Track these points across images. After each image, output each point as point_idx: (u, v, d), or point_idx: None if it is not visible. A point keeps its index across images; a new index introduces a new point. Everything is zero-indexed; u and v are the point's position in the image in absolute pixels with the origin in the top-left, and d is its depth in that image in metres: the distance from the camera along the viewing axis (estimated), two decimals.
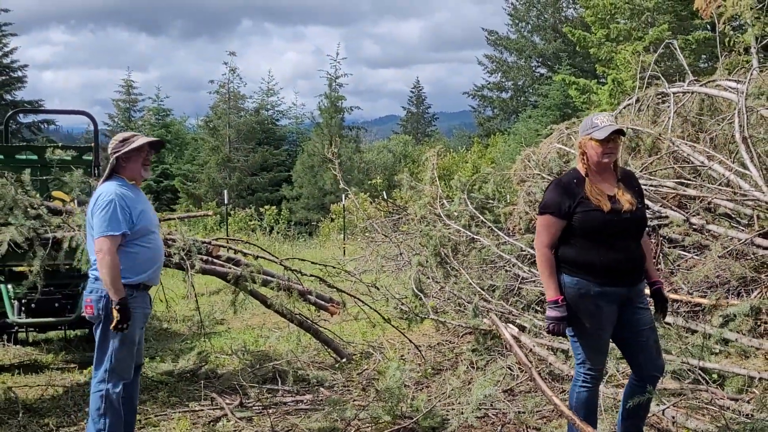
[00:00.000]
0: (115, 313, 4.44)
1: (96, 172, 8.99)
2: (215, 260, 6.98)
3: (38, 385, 6.85)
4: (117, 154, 4.67)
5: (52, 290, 7.79)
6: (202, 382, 6.65)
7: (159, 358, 7.60)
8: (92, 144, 9.25)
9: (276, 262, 7.48)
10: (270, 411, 5.72)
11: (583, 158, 4.12)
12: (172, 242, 6.48)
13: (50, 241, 6.29)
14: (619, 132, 4.04)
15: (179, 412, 5.91)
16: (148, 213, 4.77)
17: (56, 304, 7.89)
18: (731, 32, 16.93)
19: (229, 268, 6.90)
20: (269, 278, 7.03)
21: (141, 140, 4.69)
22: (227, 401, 6.00)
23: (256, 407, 5.92)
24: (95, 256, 4.53)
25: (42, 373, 7.49)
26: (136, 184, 4.82)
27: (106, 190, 4.62)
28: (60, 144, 8.72)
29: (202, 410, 5.96)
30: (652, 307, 4.31)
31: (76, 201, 7.22)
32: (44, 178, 8.61)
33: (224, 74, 38.32)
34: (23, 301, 7.86)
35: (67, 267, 6.51)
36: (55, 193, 7.99)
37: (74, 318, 7.98)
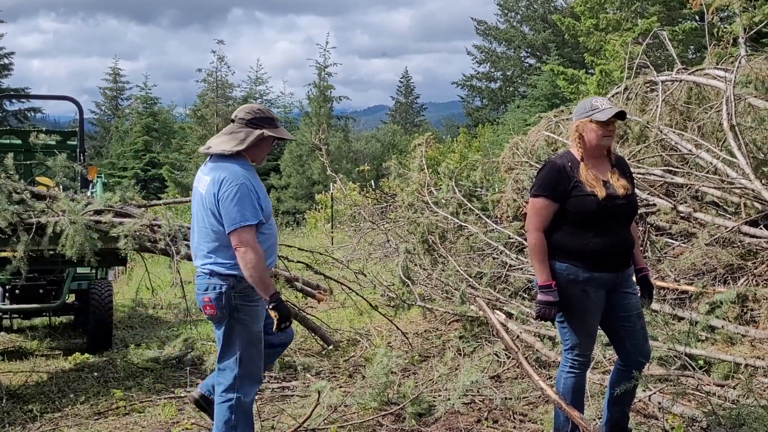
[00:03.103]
0: (273, 314, 3.94)
1: (82, 157, 8.92)
2: None
3: (22, 372, 6.81)
4: (265, 132, 4.10)
5: (36, 276, 7.74)
6: (188, 368, 6.61)
7: (145, 345, 7.58)
8: (77, 129, 9.16)
9: None
10: (256, 397, 5.68)
11: (579, 141, 4.08)
12: (157, 228, 6.42)
13: (34, 226, 6.23)
14: (621, 115, 4.01)
15: (165, 399, 5.87)
16: (266, 196, 4.19)
17: (40, 291, 7.85)
18: (719, 23, 16.98)
19: None
20: None
21: (287, 134, 4.24)
22: None
23: None
24: (211, 247, 4.00)
25: (26, 360, 7.45)
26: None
27: (233, 171, 3.98)
28: (44, 129, 8.65)
29: (188, 396, 5.92)
30: (638, 291, 4.30)
31: (60, 186, 7.15)
32: (28, 162, 8.55)
33: (212, 63, 38.15)
34: (7, 287, 7.80)
35: (51, 252, 6.45)
36: (39, 178, 7.92)
37: (58, 304, 7.94)
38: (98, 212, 6.47)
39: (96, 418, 5.54)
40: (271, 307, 3.95)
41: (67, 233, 6.07)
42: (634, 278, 4.24)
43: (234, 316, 3.99)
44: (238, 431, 4.04)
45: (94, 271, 8.50)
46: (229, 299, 3.96)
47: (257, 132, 4.07)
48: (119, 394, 5.94)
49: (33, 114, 37.62)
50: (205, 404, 4.42)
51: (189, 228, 6.81)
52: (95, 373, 6.79)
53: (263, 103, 39.84)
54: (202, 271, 4.04)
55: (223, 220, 3.92)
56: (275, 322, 3.96)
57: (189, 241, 6.52)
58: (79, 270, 8.27)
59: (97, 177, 9.01)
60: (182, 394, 5.97)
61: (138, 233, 6.31)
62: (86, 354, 7.44)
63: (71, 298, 8.50)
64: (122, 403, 5.77)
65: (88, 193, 8.20)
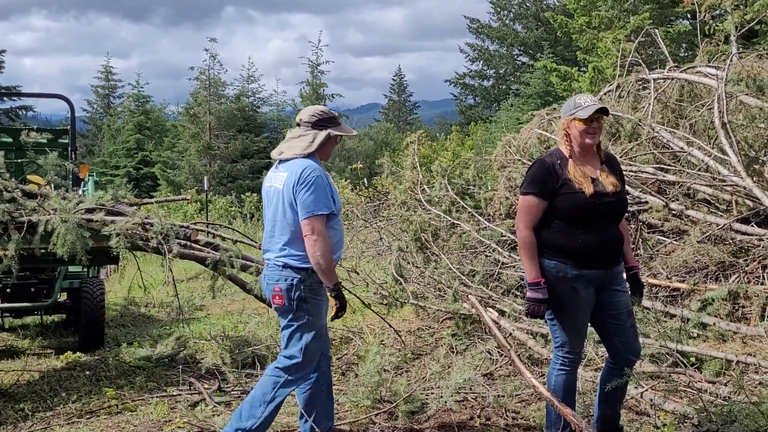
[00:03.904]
0: (333, 302, 4.18)
1: (73, 155, 8.89)
2: (194, 245, 6.90)
3: (14, 371, 6.77)
4: (330, 132, 4.35)
5: (27, 275, 7.70)
6: (181, 367, 6.60)
7: (137, 344, 7.56)
8: (68, 127, 9.12)
9: (255, 247, 7.42)
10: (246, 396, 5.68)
11: (566, 139, 4.10)
12: (149, 226, 6.40)
13: (25, 224, 6.19)
14: (603, 111, 4.02)
15: (157, 397, 5.86)
16: (337, 193, 4.43)
17: (32, 289, 7.81)
18: (711, 21, 17.03)
19: (208, 252, 6.83)
20: (248, 263, 6.98)
21: (350, 131, 4.58)
22: (206, 386, 5.95)
23: (235, 392, 5.88)
24: (287, 240, 4.21)
25: (18, 359, 7.42)
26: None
27: (310, 164, 4.23)
28: (35, 127, 8.62)
29: (180, 395, 5.91)
30: (628, 288, 4.32)
31: (51, 184, 7.12)
32: (19, 161, 8.51)
33: (205, 61, 38.06)
34: None
35: (43, 251, 6.41)
36: (30, 177, 7.89)
37: (50, 303, 7.91)
38: (90, 211, 6.44)
39: (88, 416, 5.52)
40: (333, 295, 4.19)
41: (59, 232, 6.03)
42: (624, 276, 4.25)
43: (302, 307, 4.20)
44: (269, 407, 4.25)
45: (85, 269, 8.46)
46: (299, 291, 4.18)
47: (324, 133, 4.33)
48: (111, 392, 5.93)
49: (24, 112, 37.41)
50: None
51: (181, 226, 6.85)
52: (87, 372, 6.77)
53: (255, 101, 39.86)
54: (275, 263, 4.25)
55: (298, 209, 4.15)
56: (334, 310, 4.20)
57: (180, 239, 6.54)
58: (71, 268, 8.24)
59: (89, 175, 8.97)
60: (174, 393, 5.96)
61: (130, 231, 6.28)
62: (78, 353, 7.41)
63: (63, 297, 8.46)
64: (114, 401, 5.75)
65: (80, 192, 8.17)
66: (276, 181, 4.33)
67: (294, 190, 4.16)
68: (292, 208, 4.19)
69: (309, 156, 4.28)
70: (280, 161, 4.37)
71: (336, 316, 4.27)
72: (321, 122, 4.36)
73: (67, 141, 9.08)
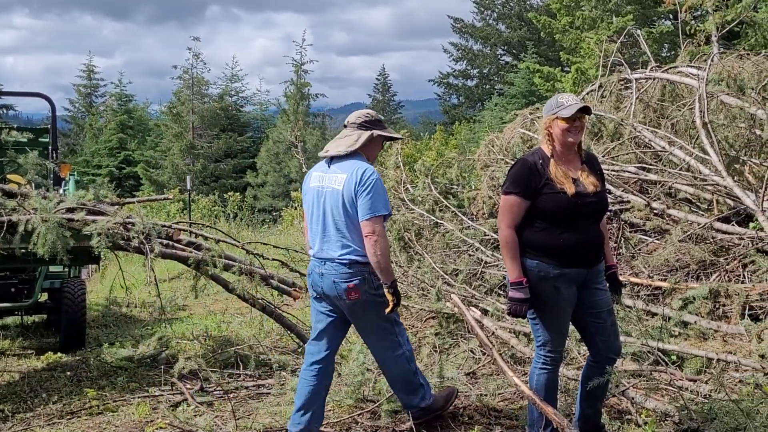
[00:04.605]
0: (390, 297, 4.40)
1: (54, 155, 8.82)
2: (176, 244, 6.87)
3: None
4: (374, 133, 4.58)
5: (7, 275, 7.64)
6: (163, 367, 6.56)
7: (119, 344, 7.51)
8: (49, 126, 9.05)
9: (238, 246, 7.39)
10: (231, 396, 5.66)
11: (548, 138, 4.10)
12: (131, 225, 6.36)
13: (5, 224, 6.13)
14: (585, 110, 4.03)
15: (139, 398, 5.83)
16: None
17: (12, 289, 7.74)
18: (692, 21, 17.14)
19: (190, 252, 6.80)
20: (231, 262, 6.95)
21: (394, 133, 4.75)
22: (188, 386, 5.93)
23: (217, 392, 5.86)
24: (349, 239, 4.40)
25: None
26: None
27: (368, 167, 4.45)
28: (15, 125, 8.53)
29: (162, 395, 5.88)
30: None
31: (31, 184, 7.06)
32: None
33: (188, 60, 37.87)
34: None
35: (23, 251, 6.35)
36: (10, 176, 7.81)
37: (30, 303, 7.84)
38: (71, 210, 6.38)
39: (68, 417, 5.49)
40: (391, 291, 4.39)
41: (39, 231, 5.97)
42: (604, 274, 4.26)
43: (378, 295, 4.43)
44: (418, 373, 4.72)
45: (66, 269, 8.40)
46: (371, 283, 4.41)
47: (367, 133, 4.55)
48: (92, 393, 5.89)
49: (5, 111, 37.12)
50: None
51: (163, 226, 6.80)
52: (68, 373, 6.73)
53: (239, 101, 39.76)
54: (340, 262, 4.42)
55: (358, 210, 4.35)
56: (391, 305, 4.41)
57: (162, 239, 6.49)
58: (52, 268, 8.17)
59: (70, 175, 8.90)
60: (156, 393, 5.93)
61: (111, 231, 6.23)
62: (59, 353, 7.36)
63: (44, 297, 8.40)
64: (95, 402, 5.72)
65: (61, 191, 8.11)
66: (331, 181, 4.49)
67: (355, 191, 4.36)
68: (354, 207, 4.38)
69: (355, 155, 4.50)
70: (332, 161, 4.56)
71: (392, 310, 4.45)
72: (366, 123, 4.60)
73: (47, 140, 9.00)
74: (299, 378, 4.72)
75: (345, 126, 4.68)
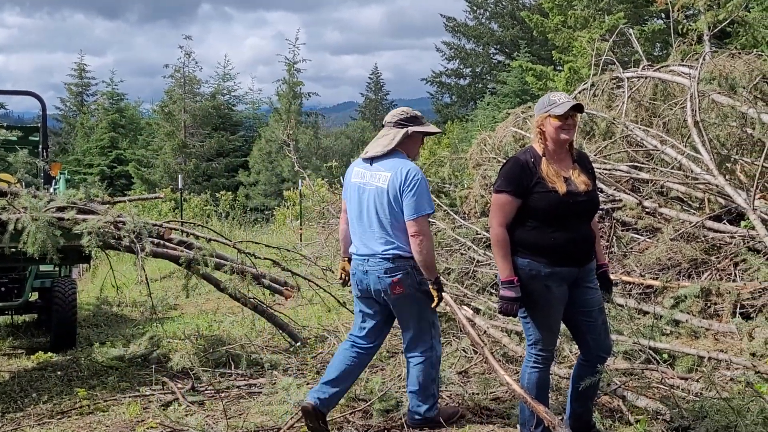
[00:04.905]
0: (435, 293, 4.53)
1: (45, 153, 8.78)
2: (167, 243, 6.85)
3: None
4: (409, 130, 4.66)
5: None
6: (154, 366, 6.54)
7: (110, 343, 7.47)
8: (39, 124, 9.00)
9: (229, 245, 7.37)
10: (222, 395, 5.64)
11: (540, 137, 4.10)
12: (122, 224, 6.33)
13: None
14: (577, 108, 4.03)
15: (129, 397, 5.81)
16: None
17: (2, 289, 7.71)
18: (684, 20, 17.18)
19: (181, 251, 6.78)
20: (222, 261, 6.93)
21: (432, 128, 4.83)
22: (179, 385, 5.91)
23: (209, 391, 5.84)
24: (393, 235, 4.52)
25: None
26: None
27: (412, 166, 4.57)
28: (5, 124, 8.49)
29: (153, 394, 5.86)
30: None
31: (21, 182, 7.02)
32: None
33: (179, 59, 37.79)
34: None
35: (13, 250, 6.31)
36: None
37: (21, 303, 7.80)
38: (61, 209, 6.35)
39: (59, 417, 5.46)
40: (435, 288, 4.53)
41: (29, 230, 5.93)
42: (595, 273, 4.26)
43: (421, 290, 4.55)
44: (437, 383, 4.79)
45: (57, 268, 8.36)
46: (414, 277, 4.53)
47: (403, 131, 4.64)
48: (83, 393, 5.86)
49: None
50: (315, 415, 4.68)
51: (154, 225, 6.77)
52: (59, 372, 6.70)
53: (231, 100, 39.69)
54: (384, 257, 4.54)
55: (404, 209, 4.46)
56: (436, 300, 4.55)
57: (153, 238, 6.47)
58: (42, 268, 8.13)
59: (60, 173, 8.86)
60: (147, 393, 5.90)
61: (102, 230, 6.20)
62: (49, 353, 7.33)
63: (34, 297, 8.36)
64: (86, 402, 5.69)
65: (51, 190, 8.07)
66: (375, 179, 4.59)
67: (400, 190, 4.47)
68: (398, 205, 4.49)
69: (395, 153, 4.61)
70: (374, 160, 4.65)
71: (437, 305, 4.58)
72: (402, 121, 4.68)
73: (38, 138, 8.96)
74: (338, 352, 4.87)
75: (383, 125, 4.79)
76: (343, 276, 5.04)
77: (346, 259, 4.94)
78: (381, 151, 4.61)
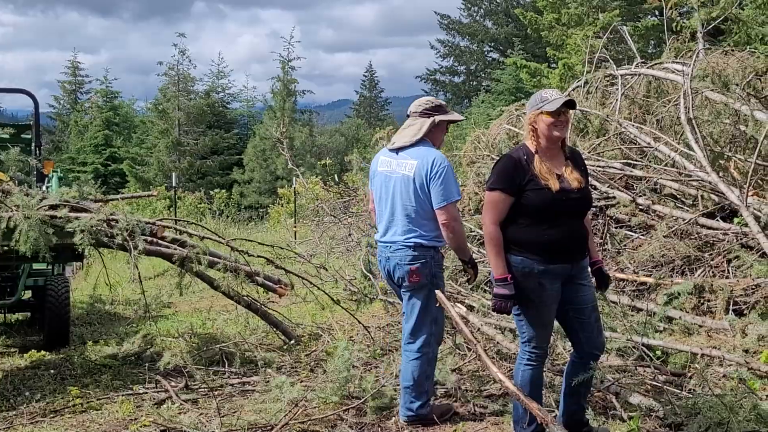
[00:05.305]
0: (470, 271, 4.74)
1: (38, 151, 8.75)
2: (160, 241, 6.83)
3: None
4: (436, 119, 4.72)
5: None
6: (147, 364, 6.52)
7: (103, 342, 7.46)
8: (31, 122, 8.97)
9: (222, 243, 7.36)
10: (216, 393, 5.62)
11: (533, 134, 4.09)
12: (115, 222, 6.31)
13: None
14: (570, 105, 4.02)
15: (123, 395, 5.78)
16: None
17: None
18: (678, 17, 17.20)
19: (175, 249, 6.76)
20: (216, 259, 6.92)
21: (456, 116, 4.89)
22: (172, 384, 5.89)
23: (202, 389, 5.82)
24: (416, 223, 4.60)
25: None
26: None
27: (438, 154, 4.64)
28: None
29: (147, 393, 5.84)
30: (594, 283, 4.33)
31: (14, 180, 7.00)
32: None
33: (173, 56, 37.71)
34: None
35: (5, 248, 6.29)
36: None
37: (14, 301, 7.78)
38: (53, 207, 6.32)
39: (52, 416, 5.44)
40: (469, 266, 4.73)
41: (21, 228, 5.92)
42: (589, 270, 4.26)
43: (433, 282, 4.64)
44: (431, 379, 4.81)
45: (50, 267, 8.34)
46: (431, 268, 4.63)
47: (429, 120, 4.70)
48: (76, 391, 5.84)
49: None
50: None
51: (147, 223, 6.76)
52: (52, 371, 6.67)
53: (225, 97, 39.64)
54: (405, 244, 4.63)
55: (432, 197, 4.53)
56: (471, 276, 4.77)
57: (146, 236, 6.45)
58: (35, 266, 8.10)
59: (53, 171, 8.83)
60: (141, 391, 5.89)
61: (94, 228, 6.18)
62: (42, 351, 7.30)
63: (27, 295, 8.33)
64: (79, 400, 5.67)
65: (44, 188, 8.05)
66: (401, 167, 4.67)
67: (427, 178, 4.54)
68: (424, 193, 4.56)
69: (422, 142, 4.67)
70: (397, 150, 4.74)
71: (473, 280, 4.83)
72: (427, 111, 4.73)
73: (30, 136, 8.93)
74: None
75: (408, 116, 4.83)
76: None
77: None
78: (409, 141, 4.68)
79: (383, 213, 4.79)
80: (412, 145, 4.68)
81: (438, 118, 4.73)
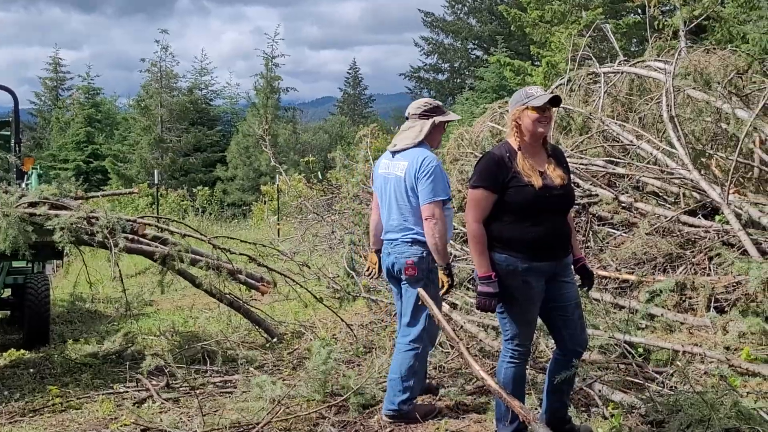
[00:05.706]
0: (446, 279, 4.68)
1: (17, 148, 8.66)
2: (141, 239, 6.78)
3: None
4: (435, 120, 4.81)
5: None
6: (128, 363, 6.47)
7: (83, 340, 7.40)
8: (10, 119, 8.88)
9: (204, 241, 7.30)
10: (197, 392, 5.58)
11: (516, 130, 4.07)
12: (95, 220, 6.26)
13: None
14: (555, 101, 4.01)
15: (103, 394, 5.73)
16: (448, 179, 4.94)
17: None
18: (660, 16, 17.30)
19: (156, 246, 6.71)
20: (198, 257, 6.88)
21: (454, 116, 4.98)
22: (153, 382, 5.85)
23: (184, 388, 5.78)
24: (413, 221, 4.69)
25: None
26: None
27: (429, 155, 4.72)
28: None
29: (127, 392, 5.80)
30: (578, 280, 4.33)
31: None
32: None
33: (156, 53, 37.48)
34: None
35: None
36: None
37: None
38: (33, 204, 6.27)
39: (31, 415, 5.39)
40: (446, 273, 4.69)
41: (0, 226, 5.86)
42: (572, 268, 4.26)
43: (429, 276, 4.72)
44: (418, 376, 4.81)
45: (30, 264, 8.26)
46: (428, 262, 4.70)
47: (429, 122, 4.81)
48: (55, 390, 5.79)
49: None
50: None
51: (128, 220, 6.70)
52: (31, 370, 6.61)
53: (208, 94, 39.44)
54: (404, 240, 4.75)
55: (419, 195, 4.63)
56: (446, 287, 4.71)
57: (127, 234, 6.40)
58: (15, 264, 8.02)
59: (33, 168, 8.75)
60: (121, 390, 5.84)
61: (74, 226, 6.13)
62: (22, 350, 7.23)
63: (7, 293, 8.26)
64: (58, 399, 5.62)
65: (23, 185, 7.97)
66: (395, 168, 4.81)
67: (415, 177, 4.65)
68: (414, 192, 4.67)
69: (420, 144, 4.77)
70: (396, 152, 4.85)
71: (446, 292, 4.75)
72: (426, 112, 4.84)
73: (9, 133, 8.84)
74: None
75: (406, 117, 4.93)
76: (370, 267, 5.22)
77: (374, 250, 5.14)
78: (410, 143, 4.77)
79: (384, 213, 4.92)
80: (413, 147, 4.77)
81: (437, 119, 4.82)
